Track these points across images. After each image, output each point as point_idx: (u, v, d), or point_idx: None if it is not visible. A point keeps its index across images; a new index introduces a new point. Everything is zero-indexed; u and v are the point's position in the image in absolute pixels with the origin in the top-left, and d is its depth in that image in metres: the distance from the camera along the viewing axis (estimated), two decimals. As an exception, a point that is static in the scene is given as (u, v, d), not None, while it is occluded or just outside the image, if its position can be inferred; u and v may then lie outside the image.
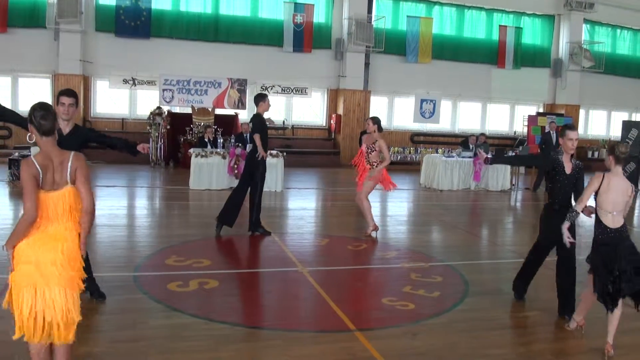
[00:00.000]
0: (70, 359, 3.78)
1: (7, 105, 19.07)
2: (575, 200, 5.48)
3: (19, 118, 5.29)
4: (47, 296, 3.51)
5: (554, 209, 5.78)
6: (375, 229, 9.43)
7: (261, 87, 20.97)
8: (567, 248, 5.48)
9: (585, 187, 5.20)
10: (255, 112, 9.07)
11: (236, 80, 19.63)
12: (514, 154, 17.62)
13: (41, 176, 3.50)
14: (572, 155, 5.78)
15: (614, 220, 4.96)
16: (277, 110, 21.98)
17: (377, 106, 22.11)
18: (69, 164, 3.61)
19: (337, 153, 21.37)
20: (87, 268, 4.80)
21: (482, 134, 17.90)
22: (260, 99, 9.01)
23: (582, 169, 5.81)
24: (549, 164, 5.84)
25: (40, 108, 3.59)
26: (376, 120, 9.48)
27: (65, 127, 5.36)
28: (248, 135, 14.97)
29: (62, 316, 3.55)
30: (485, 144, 16.76)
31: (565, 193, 5.76)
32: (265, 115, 9.09)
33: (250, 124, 9.34)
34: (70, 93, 5.36)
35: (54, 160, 3.59)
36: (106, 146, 5.90)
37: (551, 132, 16.16)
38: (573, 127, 5.88)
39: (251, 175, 9.05)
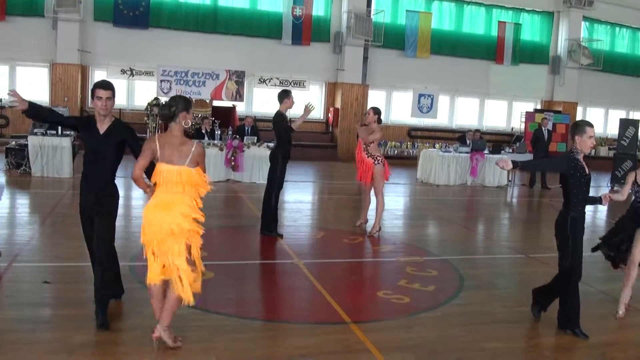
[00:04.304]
0: (174, 308, 4.48)
1: (5, 93, 19.02)
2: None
3: (57, 116, 5.20)
4: (164, 249, 4.43)
5: (579, 217, 5.24)
6: (366, 222, 9.47)
7: (259, 80, 20.98)
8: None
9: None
10: (277, 110, 8.65)
11: (234, 72, 19.59)
12: (510, 150, 17.66)
13: (159, 151, 4.41)
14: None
15: None
16: (275, 103, 21.95)
17: (375, 100, 22.05)
18: (192, 149, 4.45)
19: (334, 147, 21.37)
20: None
21: (477, 130, 17.90)
22: (285, 95, 8.58)
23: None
24: (567, 165, 5.22)
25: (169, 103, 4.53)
26: (377, 111, 9.15)
27: (102, 124, 4.91)
28: (249, 128, 15.01)
29: (177, 271, 4.40)
30: (481, 140, 16.78)
31: (584, 196, 5.27)
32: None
33: (273, 122, 8.78)
34: (107, 85, 4.92)
35: (174, 142, 4.44)
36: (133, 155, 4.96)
37: (543, 128, 16.15)
38: (591, 123, 5.30)
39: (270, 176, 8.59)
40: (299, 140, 20.59)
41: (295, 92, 21.74)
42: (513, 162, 5.22)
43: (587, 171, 5.24)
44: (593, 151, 23.85)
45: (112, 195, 5.01)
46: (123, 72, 19.58)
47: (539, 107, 24.60)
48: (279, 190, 8.62)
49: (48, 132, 13.24)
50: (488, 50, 23.45)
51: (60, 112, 5.38)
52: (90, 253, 5.16)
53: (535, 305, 5.71)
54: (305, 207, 12.17)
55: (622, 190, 6.00)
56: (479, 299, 6.21)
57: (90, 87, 19.57)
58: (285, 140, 8.55)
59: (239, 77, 19.71)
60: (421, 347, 4.87)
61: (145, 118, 18.06)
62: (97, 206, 4.91)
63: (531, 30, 24.38)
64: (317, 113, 22.46)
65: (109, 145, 4.87)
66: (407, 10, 22.17)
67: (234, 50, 20.25)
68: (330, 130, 22.10)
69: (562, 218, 5.27)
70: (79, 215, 5.10)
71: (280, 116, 8.58)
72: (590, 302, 6.20)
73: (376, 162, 9.02)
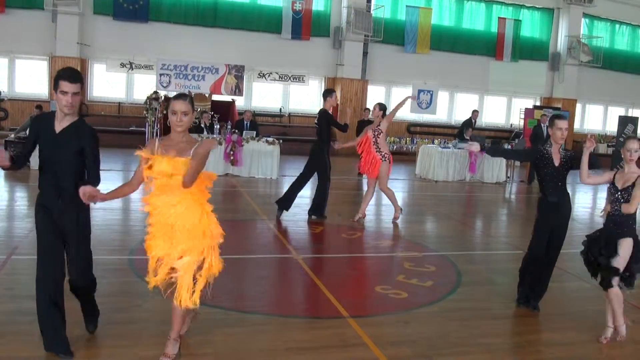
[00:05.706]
0: (181, 322, 4.26)
1: (4, 86, 19.01)
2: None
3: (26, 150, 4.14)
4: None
5: (547, 202, 5.54)
6: (364, 216, 9.70)
7: (258, 74, 20.98)
8: (558, 246, 5.62)
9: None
10: (322, 108, 9.56)
11: (234, 66, 19.56)
12: (509, 147, 17.67)
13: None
14: (561, 147, 5.51)
15: None
16: (274, 98, 21.98)
17: (375, 96, 22.05)
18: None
19: (333, 141, 21.30)
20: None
21: (475, 110, 17.87)
22: (328, 94, 9.42)
23: (573, 158, 5.46)
24: (532, 155, 5.76)
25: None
26: (382, 107, 9.79)
27: (62, 121, 3.98)
28: (248, 122, 15.02)
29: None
30: (480, 136, 16.77)
31: (553, 185, 5.49)
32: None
33: (317, 118, 9.64)
34: (74, 77, 3.90)
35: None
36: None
37: (542, 125, 16.16)
38: (562, 116, 5.62)
39: (311, 168, 9.78)
40: (298, 135, 20.63)
41: (295, 87, 21.99)
42: (481, 145, 5.88)
43: (556, 163, 5.47)
44: (592, 148, 23.91)
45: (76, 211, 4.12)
46: (122, 65, 19.57)
47: (538, 103, 24.59)
48: (329, 180, 9.76)
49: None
50: (488, 46, 23.44)
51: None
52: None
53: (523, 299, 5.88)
54: (304, 202, 12.13)
55: (595, 174, 5.37)
56: (477, 295, 6.24)
57: (90, 81, 19.76)
58: (327, 137, 9.57)
59: (238, 72, 19.68)
60: (418, 342, 4.89)
61: (144, 112, 18.02)
62: (61, 221, 4.10)
63: (531, 26, 24.37)
64: (317, 108, 22.42)
65: (65, 148, 3.97)
66: (407, 6, 22.15)
67: (234, 44, 20.24)
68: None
69: (538, 201, 5.75)
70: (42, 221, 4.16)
71: (325, 112, 9.52)
72: (586, 299, 6.23)
73: (383, 159, 9.43)
